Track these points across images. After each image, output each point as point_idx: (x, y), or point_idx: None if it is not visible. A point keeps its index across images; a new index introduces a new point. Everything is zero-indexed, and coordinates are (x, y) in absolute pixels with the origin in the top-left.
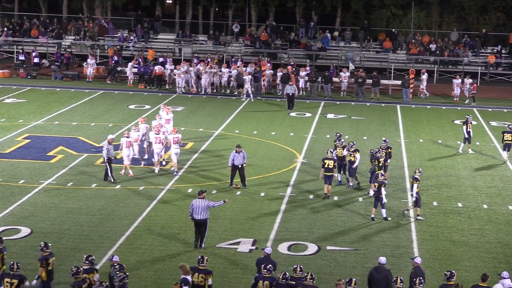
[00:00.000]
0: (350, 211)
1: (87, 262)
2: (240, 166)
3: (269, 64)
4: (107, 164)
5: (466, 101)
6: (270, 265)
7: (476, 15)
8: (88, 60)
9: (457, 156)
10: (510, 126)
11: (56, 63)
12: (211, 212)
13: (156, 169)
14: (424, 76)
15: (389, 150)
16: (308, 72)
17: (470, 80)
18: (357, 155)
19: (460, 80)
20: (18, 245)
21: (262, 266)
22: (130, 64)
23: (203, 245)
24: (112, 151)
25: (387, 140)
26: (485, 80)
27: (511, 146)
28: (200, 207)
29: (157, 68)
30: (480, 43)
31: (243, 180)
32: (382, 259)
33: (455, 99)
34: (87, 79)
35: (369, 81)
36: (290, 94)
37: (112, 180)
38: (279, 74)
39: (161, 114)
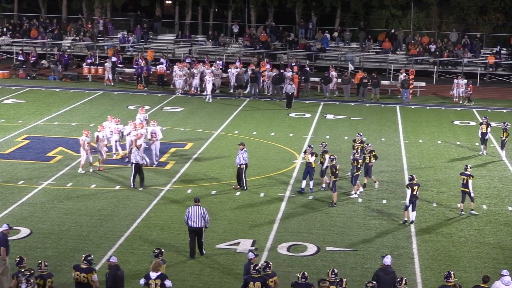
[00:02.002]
0: (350, 212)
1: (85, 262)
2: (238, 166)
3: (268, 65)
4: (136, 169)
5: (465, 102)
6: (259, 265)
7: (475, 15)
8: (106, 64)
9: (457, 157)
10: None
11: (54, 64)
12: (210, 212)
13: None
14: (402, 76)
15: (373, 153)
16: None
17: (465, 81)
18: (326, 156)
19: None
20: (17, 245)
21: (252, 266)
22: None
23: (203, 252)
24: (139, 157)
25: (370, 144)
26: (484, 81)
27: (504, 143)
28: (196, 214)
29: (158, 68)
30: (479, 44)
31: (242, 182)
32: (387, 260)
33: (454, 99)
34: (105, 83)
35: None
36: (290, 93)
37: (132, 186)
38: (270, 74)
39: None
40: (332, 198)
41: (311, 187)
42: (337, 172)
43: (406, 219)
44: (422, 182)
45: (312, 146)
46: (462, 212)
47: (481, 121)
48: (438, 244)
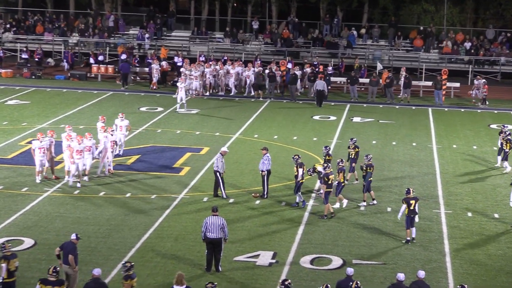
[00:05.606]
0: (378, 222)
1: (54, 273)
2: (260, 171)
3: (290, 64)
4: (219, 178)
5: (480, 104)
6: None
7: None
8: (153, 66)
9: (493, 163)
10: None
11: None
12: (228, 222)
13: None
14: (403, 75)
15: (357, 150)
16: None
17: (482, 81)
18: (300, 169)
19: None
20: (20, 257)
21: None
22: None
23: (220, 269)
24: (223, 164)
25: (354, 138)
26: None
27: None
28: (214, 224)
29: (164, 64)
30: None
31: (263, 189)
32: (401, 276)
33: (473, 101)
34: (153, 86)
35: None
36: (320, 90)
37: (224, 196)
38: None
39: (116, 122)
40: (323, 211)
41: (297, 201)
42: (330, 182)
43: (408, 238)
44: (456, 190)
45: (298, 156)
46: None
47: (500, 130)
48: (474, 257)
